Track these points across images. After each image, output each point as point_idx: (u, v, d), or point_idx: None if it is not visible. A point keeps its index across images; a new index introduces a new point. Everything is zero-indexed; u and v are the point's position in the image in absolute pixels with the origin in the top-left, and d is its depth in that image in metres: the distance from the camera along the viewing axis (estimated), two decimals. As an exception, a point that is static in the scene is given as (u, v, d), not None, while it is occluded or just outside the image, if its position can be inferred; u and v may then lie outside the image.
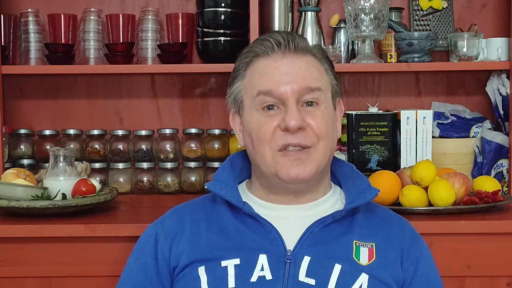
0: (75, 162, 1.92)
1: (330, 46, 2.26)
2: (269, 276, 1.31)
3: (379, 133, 2.09)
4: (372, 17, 2.11)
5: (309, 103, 1.36)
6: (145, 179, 2.30)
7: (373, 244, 1.37)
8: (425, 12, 2.37)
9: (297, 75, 1.36)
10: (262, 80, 1.37)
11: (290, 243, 1.34)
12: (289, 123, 1.33)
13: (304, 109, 1.36)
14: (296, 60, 1.38)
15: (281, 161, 1.35)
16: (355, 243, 1.37)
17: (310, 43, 1.43)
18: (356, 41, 2.28)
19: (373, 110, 2.15)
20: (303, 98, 1.36)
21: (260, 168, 1.39)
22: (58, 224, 1.74)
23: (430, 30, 2.36)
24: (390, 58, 2.29)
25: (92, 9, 2.31)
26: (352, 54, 2.34)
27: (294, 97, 1.35)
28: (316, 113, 1.36)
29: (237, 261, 1.33)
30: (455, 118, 2.24)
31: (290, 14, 2.29)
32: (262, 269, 1.32)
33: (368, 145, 2.09)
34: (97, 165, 2.29)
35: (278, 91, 1.35)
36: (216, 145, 2.30)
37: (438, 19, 2.37)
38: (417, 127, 2.09)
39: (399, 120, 2.08)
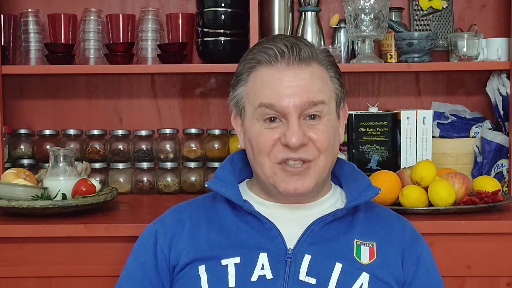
0: (75, 162, 1.92)
1: (330, 46, 2.26)
2: (269, 275, 1.31)
3: (379, 133, 2.09)
4: (372, 17, 2.11)
5: (312, 116, 1.35)
6: (145, 179, 2.30)
7: (374, 243, 1.37)
8: (425, 12, 2.37)
9: (300, 88, 1.33)
10: (264, 92, 1.35)
11: (291, 242, 1.34)
12: (290, 141, 1.32)
13: (306, 123, 1.35)
14: (300, 71, 1.35)
15: (280, 175, 1.35)
16: (356, 242, 1.37)
17: (316, 45, 1.40)
18: (356, 41, 2.28)
19: (373, 110, 2.15)
20: (306, 112, 1.34)
21: (259, 177, 1.39)
22: (58, 224, 1.74)
23: (430, 30, 2.36)
24: (390, 58, 2.29)
25: (92, 9, 2.31)
26: (352, 54, 2.34)
27: (296, 112, 1.33)
28: (318, 126, 1.35)
29: (237, 259, 1.33)
30: (455, 118, 2.24)
31: (290, 14, 2.29)
32: (262, 268, 1.31)
33: (368, 145, 2.09)
34: (97, 165, 2.29)
35: (280, 104, 1.33)
36: (216, 145, 2.30)
37: (438, 19, 2.37)
38: (417, 127, 2.09)
39: (399, 120, 2.08)
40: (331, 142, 1.37)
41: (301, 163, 1.34)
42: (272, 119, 1.35)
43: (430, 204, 1.84)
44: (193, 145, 2.31)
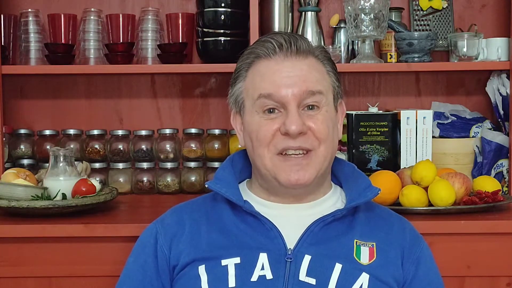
0: (75, 162, 1.92)
1: (330, 46, 2.26)
2: (269, 276, 1.31)
3: (379, 133, 2.09)
4: (372, 17, 2.11)
5: (310, 107, 1.36)
6: (145, 179, 2.30)
7: (374, 243, 1.37)
8: (425, 12, 2.37)
9: (298, 78, 1.35)
10: (263, 83, 1.36)
11: (291, 242, 1.34)
12: (290, 128, 1.32)
13: (305, 113, 1.35)
14: (297, 62, 1.37)
15: (281, 166, 1.35)
16: (356, 242, 1.37)
17: (313, 44, 1.42)
18: (356, 41, 2.28)
19: (373, 110, 2.15)
20: (304, 101, 1.35)
21: (259, 170, 1.39)
22: (58, 224, 1.74)
23: (430, 30, 2.36)
24: (390, 58, 2.29)
25: (92, 9, 2.31)
26: (352, 54, 2.34)
27: (295, 101, 1.34)
28: (317, 116, 1.36)
29: (237, 260, 1.33)
30: (455, 118, 2.24)
31: (290, 14, 2.29)
32: (262, 268, 1.32)
33: (368, 145, 2.09)
34: (97, 165, 2.29)
35: (279, 94, 1.34)
36: (216, 145, 2.30)
37: (438, 19, 2.37)
38: (417, 127, 2.09)
39: (399, 120, 2.08)
40: (330, 132, 1.37)
41: (301, 153, 1.35)
42: (271, 110, 1.36)
43: (430, 204, 1.84)
44: (193, 145, 2.31)
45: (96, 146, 2.31)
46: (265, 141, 1.35)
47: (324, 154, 1.37)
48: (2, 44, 2.23)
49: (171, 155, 2.31)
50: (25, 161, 2.31)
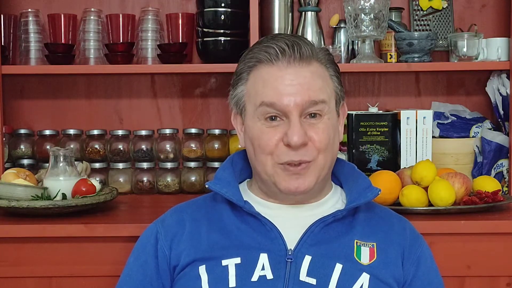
0: (75, 162, 1.92)
1: (330, 46, 2.26)
2: (270, 276, 1.31)
3: (379, 133, 2.09)
4: (372, 17, 2.11)
5: (312, 115, 1.35)
6: (145, 179, 2.30)
7: (374, 243, 1.37)
8: (425, 12, 2.37)
9: (301, 87, 1.34)
10: (266, 90, 1.35)
11: (291, 243, 1.34)
12: (292, 140, 1.32)
13: (307, 121, 1.35)
14: (300, 69, 1.35)
15: (281, 174, 1.35)
16: (356, 242, 1.37)
17: (316, 45, 1.40)
18: (356, 41, 2.28)
19: (373, 110, 2.15)
20: (307, 110, 1.34)
21: (260, 175, 1.39)
22: (58, 224, 1.74)
23: (430, 30, 2.36)
24: (390, 58, 2.29)
25: (92, 9, 2.31)
26: (352, 54, 2.34)
27: (297, 110, 1.33)
28: (318, 125, 1.35)
29: (237, 260, 1.33)
30: (455, 118, 2.25)
31: (290, 14, 2.29)
32: (263, 269, 1.32)
33: (368, 145, 2.09)
34: (97, 165, 2.29)
35: (281, 103, 1.33)
36: (216, 145, 2.30)
37: (438, 19, 2.37)
38: (417, 127, 2.09)
39: (399, 120, 2.08)
40: (331, 141, 1.37)
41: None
42: (273, 117, 1.35)
43: (430, 204, 1.84)
44: (193, 145, 2.31)
45: (96, 146, 2.31)
46: (267, 150, 1.35)
47: (322, 163, 1.36)
48: (2, 44, 2.23)
49: (171, 155, 2.31)
50: (25, 161, 2.31)
